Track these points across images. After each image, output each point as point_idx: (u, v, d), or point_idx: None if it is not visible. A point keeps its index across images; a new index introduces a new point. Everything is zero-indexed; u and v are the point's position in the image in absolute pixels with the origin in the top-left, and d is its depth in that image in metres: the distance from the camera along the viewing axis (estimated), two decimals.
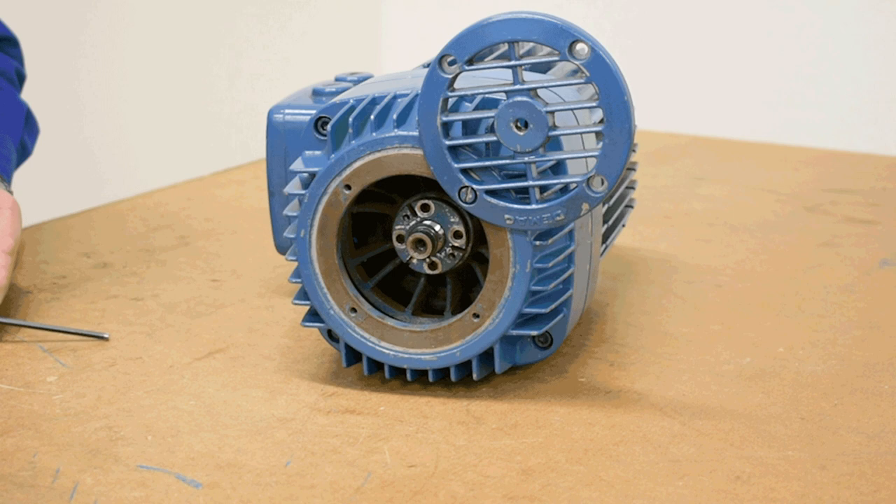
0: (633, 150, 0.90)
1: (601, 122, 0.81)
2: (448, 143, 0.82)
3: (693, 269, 1.14)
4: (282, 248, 1.02)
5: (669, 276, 1.12)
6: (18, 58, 1.27)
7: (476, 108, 0.84)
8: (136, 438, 0.82)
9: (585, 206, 0.82)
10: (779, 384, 0.90)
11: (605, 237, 0.99)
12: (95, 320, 1.01)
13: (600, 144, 0.81)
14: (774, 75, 2.26)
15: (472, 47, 0.81)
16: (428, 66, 0.91)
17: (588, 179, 0.81)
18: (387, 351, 0.88)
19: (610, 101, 0.80)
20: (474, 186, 0.83)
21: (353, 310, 0.88)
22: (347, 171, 0.85)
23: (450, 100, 0.83)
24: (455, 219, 0.86)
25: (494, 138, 0.82)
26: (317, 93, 0.99)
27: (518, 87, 0.81)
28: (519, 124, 0.81)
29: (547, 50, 0.99)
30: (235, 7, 2.29)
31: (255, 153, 1.44)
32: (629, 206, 1.08)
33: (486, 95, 0.83)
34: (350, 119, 0.85)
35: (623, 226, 1.05)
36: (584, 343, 0.97)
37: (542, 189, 0.83)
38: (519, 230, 0.83)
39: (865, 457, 0.80)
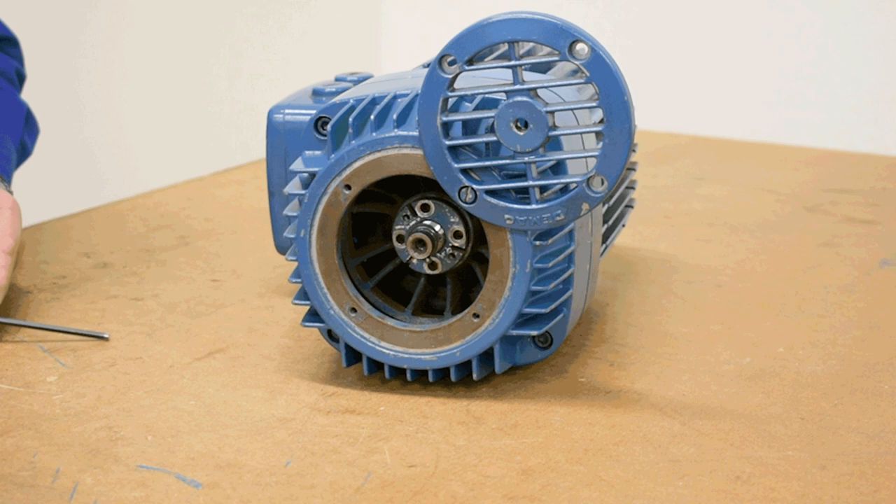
0: (633, 150, 0.90)
1: (601, 122, 0.81)
2: (448, 143, 0.82)
3: (693, 269, 1.14)
4: (282, 248, 1.02)
5: (669, 276, 1.12)
6: (18, 58, 1.27)
7: (476, 108, 0.84)
8: (136, 438, 0.82)
9: (585, 206, 0.82)
10: (779, 384, 0.90)
11: (605, 237, 0.99)
12: (95, 320, 1.01)
13: (600, 144, 0.81)
14: (774, 75, 2.26)
15: (472, 47, 0.81)
16: (428, 66, 0.91)
17: (588, 179, 0.81)
18: (387, 351, 0.88)
19: (610, 101, 0.80)
20: (474, 186, 0.83)
21: (353, 310, 0.88)
22: (347, 171, 0.85)
23: (450, 100, 0.83)
24: (455, 219, 0.86)
25: (494, 138, 0.82)
26: (317, 93, 0.99)
27: (518, 87, 0.81)
28: (519, 124, 0.81)
29: (547, 50, 0.99)
30: (235, 7, 2.29)
31: (255, 153, 1.44)
32: (629, 206, 1.08)
33: (486, 95, 0.83)
34: (350, 119, 0.85)
35: (623, 226, 1.05)
36: (584, 343, 0.97)
37: (542, 189, 0.83)
38: (519, 230, 0.83)
39: (865, 457, 0.80)
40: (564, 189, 0.83)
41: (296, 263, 0.89)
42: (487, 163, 0.83)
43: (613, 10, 2.36)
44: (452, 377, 0.88)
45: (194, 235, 1.22)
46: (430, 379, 0.88)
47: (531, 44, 0.87)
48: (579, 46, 0.79)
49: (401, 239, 0.87)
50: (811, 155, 1.59)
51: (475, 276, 0.89)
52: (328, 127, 0.87)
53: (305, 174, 0.87)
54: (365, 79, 0.99)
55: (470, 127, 0.84)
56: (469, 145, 0.83)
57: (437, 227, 0.86)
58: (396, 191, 0.89)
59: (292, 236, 0.87)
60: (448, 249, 0.86)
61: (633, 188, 1.09)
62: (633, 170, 1.09)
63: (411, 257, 0.86)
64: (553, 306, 0.86)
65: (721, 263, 1.16)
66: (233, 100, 2.29)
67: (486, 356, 0.87)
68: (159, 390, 0.89)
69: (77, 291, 1.07)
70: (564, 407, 0.87)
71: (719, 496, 0.76)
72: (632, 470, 0.79)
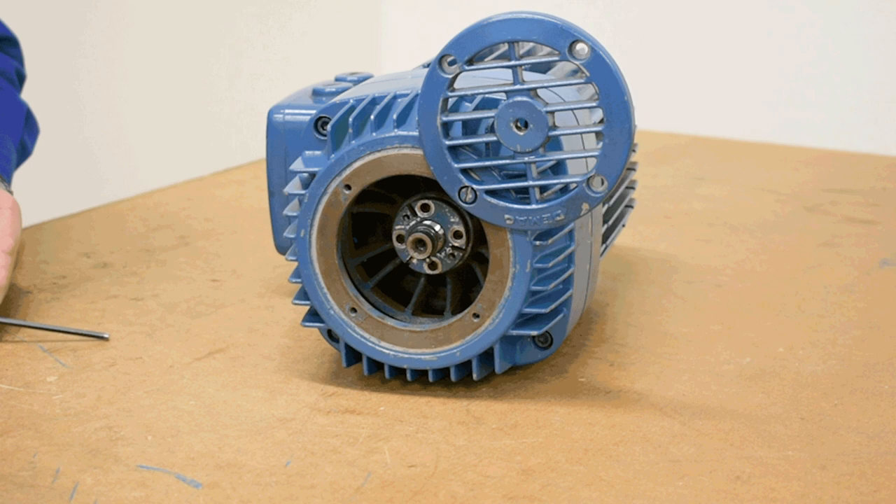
0: (633, 150, 0.90)
1: (601, 122, 0.81)
2: (448, 143, 0.82)
3: (693, 269, 1.14)
4: (282, 248, 1.02)
5: (669, 276, 1.12)
6: (18, 58, 1.27)
7: (476, 108, 0.84)
8: (136, 438, 0.82)
9: (585, 206, 0.82)
10: (779, 384, 0.90)
11: (605, 237, 0.99)
12: (95, 320, 1.01)
13: (600, 144, 0.81)
14: (774, 75, 2.26)
15: (472, 47, 0.81)
16: (428, 66, 0.91)
17: (588, 179, 0.81)
18: (387, 351, 0.88)
19: (610, 101, 0.80)
20: (474, 186, 0.83)
21: (353, 310, 0.88)
22: (347, 171, 0.85)
23: (450, 100, 0.83)
24: (455, 219, 0.86)
25: (494, 138, 0.82)
26: (317, 93, 0.99)
27: (518, 87, 0.81)
28: (519, 124, 0.81)
29: (547, 50, 0.99)
30: (235, 7, 2.29)
31: (255, 153, 1.44)
32: (629, 206, 1.08)
33: (486, 95, 0.83)
34: (350, 119, 0.85)
35: (623, 226, 1.05)
36: (584, 343, 0.97)
37: (542, 189, 0.83)
38: (519, 230, 0.83)
39: (865, 457, 0.80)
40: (564, 189, 0.83)
41: (296, 263, 0.89)
42: (487, 163, 0.83)
43: (613, 10, 2.36)
44: (452, 377, 0.88)
45: (194, 235, 1.22)
46: (430, 379, 0.88)
47: (531, 44, 0.87)
48: (579, 46, 0.79)
49: (401, 239, 0.87)
50: (811, 155, 1.59)
51: (475, 276, 0.89)
52: (328, 127, 0.87)
53: (305, 174, 0.87)
54: (365, 79, 0.99)
55: (470, 127, 0.84)
56: (469, 145, 0.83)
57: (437, 227, 0.86)
58: (396, 191, 0.89)
59: (292, 236, 0.87)
60: (448, 249, 0.86)
61: (633, 188, 1.09)
62: (633, 170, 1.09)
63: (411, 257, 0.86)
64: (553, 306, 0.86)
65: (721, 263, 1.16)
66: (233, 100, 2.29)
67: (486, 356, 0.87)
68: (159, 390, 0.89)
69: (77, 291, 1.07)
70: (564, 407, 0.87)
71: (719, 496, 0.76)
72: (632, 470, 0.79)
